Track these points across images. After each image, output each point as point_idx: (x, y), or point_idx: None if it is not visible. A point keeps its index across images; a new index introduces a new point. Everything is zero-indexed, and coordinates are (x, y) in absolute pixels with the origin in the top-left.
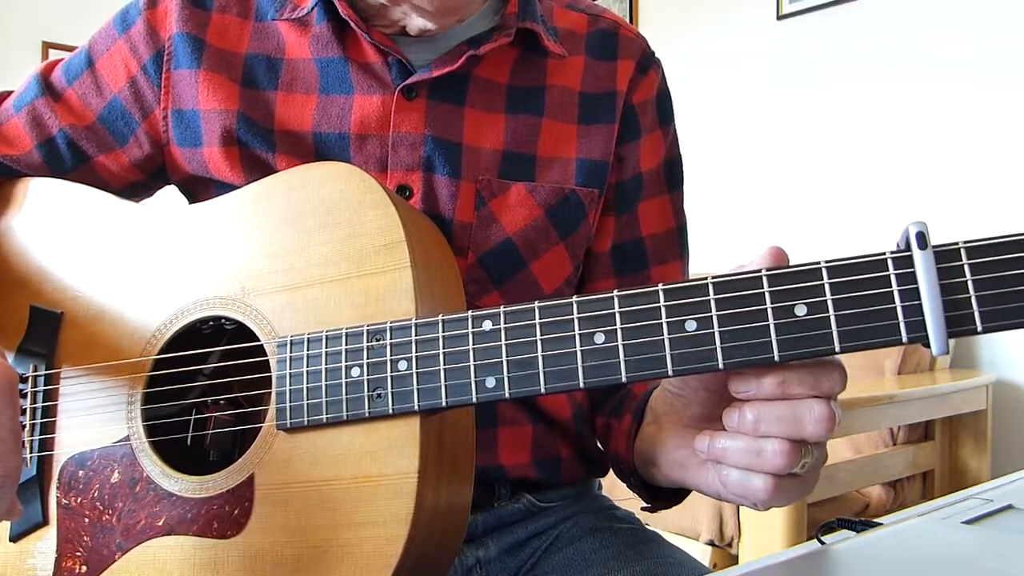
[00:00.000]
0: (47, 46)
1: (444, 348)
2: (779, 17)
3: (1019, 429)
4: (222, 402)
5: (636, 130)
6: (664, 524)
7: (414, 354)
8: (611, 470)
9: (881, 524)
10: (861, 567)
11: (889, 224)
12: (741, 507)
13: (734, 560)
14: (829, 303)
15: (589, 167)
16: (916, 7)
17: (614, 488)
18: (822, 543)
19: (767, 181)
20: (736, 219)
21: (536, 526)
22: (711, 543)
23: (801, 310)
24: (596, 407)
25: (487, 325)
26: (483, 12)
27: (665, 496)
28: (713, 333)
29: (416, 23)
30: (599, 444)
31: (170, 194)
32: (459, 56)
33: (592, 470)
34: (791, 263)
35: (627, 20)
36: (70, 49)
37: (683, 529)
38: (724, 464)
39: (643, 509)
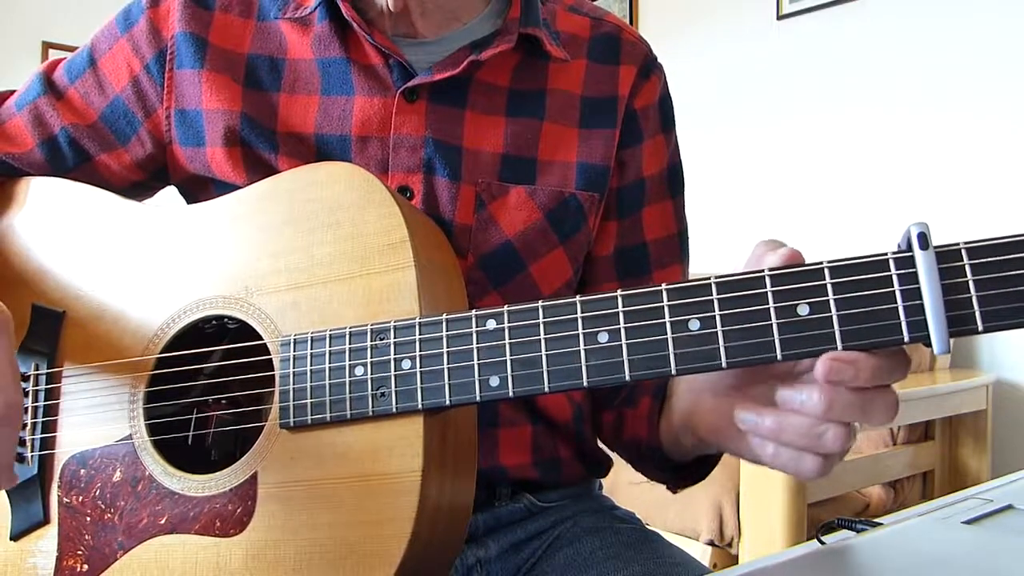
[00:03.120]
0: (47, 46)
1: (448, 347)
2: (779, 17)
3: (1019, 429)
4: (224, 401)
5: (638, 135)
6: (664, 524)
7: (418, 353)
8: (610, 471)
9: (881, 524)
10: (861, 567)
11: (890, 224)
12: (741, 507)
13: (734, 560)
14: (831, 303)
15: (589, 171)
16: (916, 7)
17: (614, 488)
18: (822, 543)
19: (767, 182)
20: (736, 220)
21: (536, 526)
22: (711, 543)
23: (804, 310)
24: (601, 405)
25: (491, 324)
26: (485, 15)
27: (690, 474)
28: (716, 332)
29: (390, 2)
30: (606, 441)
31: (172, 194)
32: (461, 60)
33: (592, 470)
34: (795, 264)
35: (627, 20)
36: (71, 49)
37: (683, 529)
38: (775, 442)
39: (668, 489)
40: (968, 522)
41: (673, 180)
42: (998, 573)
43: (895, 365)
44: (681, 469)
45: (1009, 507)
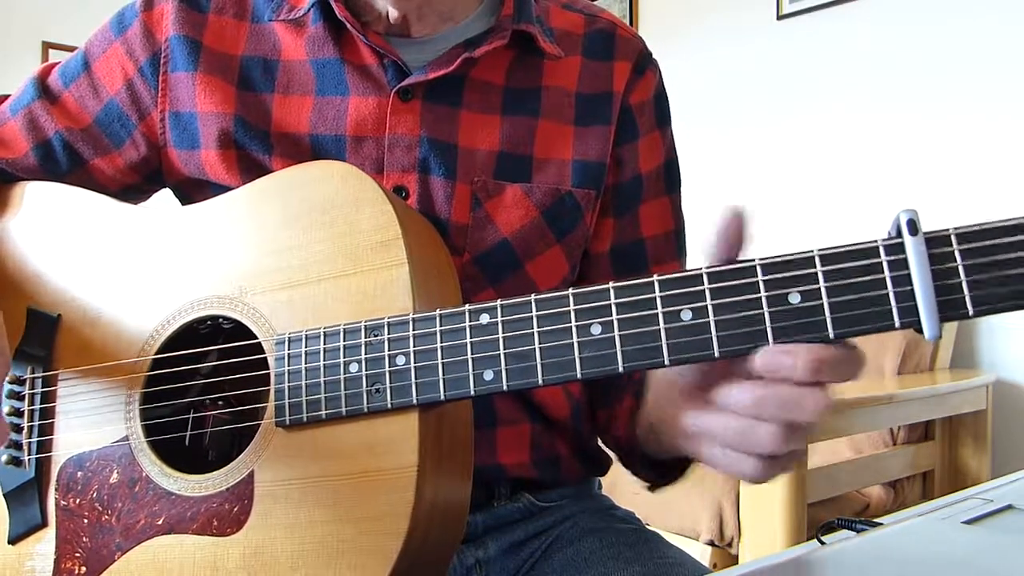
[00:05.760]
0: (47, 46)
1: (442, 342)
2: (779, 17)
3: (1019, 429)
4: (220, 401)
5: (634, 131)
6: (664, 524)
7: (412, 349)
8: (609, 470)
9: (881, 524)
10: (861, 567)
11: (886, 221)
12: (741, 507)
13: (734, 560)
14: (823, 290)
15: (585, 168)
16: (915, 7)
17: (614, 488)
18: (822, 543)
19: (767, 181)
20: None
21: (536, 526)
22: (711, 543)
23: (795, 298)
24: (595, 402)
25: (484, 319)
26: (478, 14)
27: (669, 472)
28: (708, 322)
29: (392, 12)
30: (601, 438)
31: (166, 196)
32: (455, 58)
33: (592, 469)
34: (786, 254)
35: (627, 20)
36: (70, 49)
37: (683, 529)
38: (720, 444)
39: (647, 489)
40: (968, 522)
41: (670, 176)
42: (998, 573)
43: (841, 361)
44: (659, 466)
45: (1009, 507)
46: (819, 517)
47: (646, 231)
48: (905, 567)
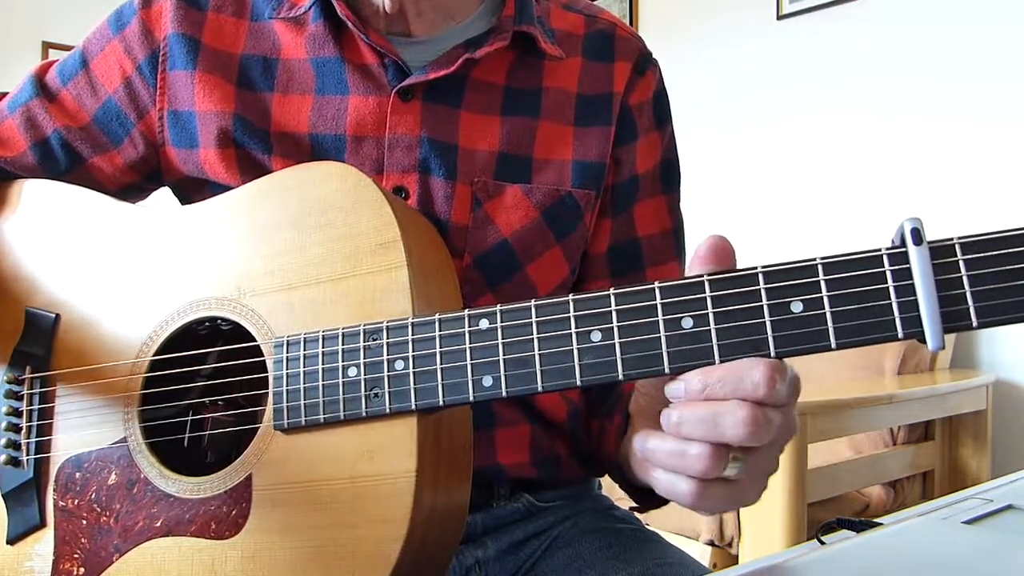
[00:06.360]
0: (47, 46)
1: (441, 347)
2: (779, 17)
3: (1019, 429)
4: (219, 403)
5: (632, 132)
6: (664, 524)
7: (411, 353)
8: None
9: (881, 524)
10: (861, 567)
11: (890, 223)
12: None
13: (734, 560)
14: (825, 299)
15: (585, 169)
16: (915, 7)
17: (614, 488)
18: (822, 543)
19: (766, 181)
20: (735, 219)
21: (535, 526)
22: (711, 543)
23: (797, 307)
24: (591, 411)
25: (484, 324)
26: (480, 14)
27: (654, 495)
28: (710, 330)
29: (386, 3)
30: (595, 450)
31: (166, 196)
32: (455, 59)
33: (591, 470)
34: (788, 261)
35: (627, 20)
36: (70, 49)
37: (683, 529)
38: (653, 464)
39: (631, 509)
40: (968, 522)
41: (667, 176)
42: (998, 573)
43: (740, 377)
44: (642, 491)
45: (1009, 507)
46: (819, 517)
47: (641, 231)
48: (905, 567)
